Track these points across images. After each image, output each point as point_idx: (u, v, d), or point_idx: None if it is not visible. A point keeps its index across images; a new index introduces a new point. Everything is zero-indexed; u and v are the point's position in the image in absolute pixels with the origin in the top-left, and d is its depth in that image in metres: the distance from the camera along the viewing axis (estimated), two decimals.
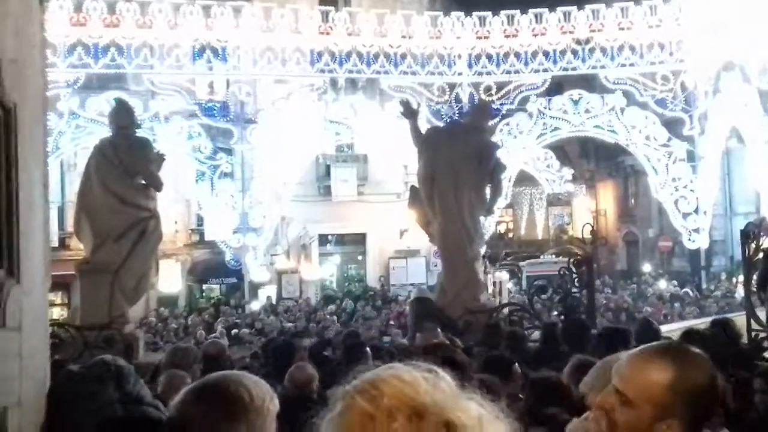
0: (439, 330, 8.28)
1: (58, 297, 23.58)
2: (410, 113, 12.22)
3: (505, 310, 12.09)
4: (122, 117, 11.21)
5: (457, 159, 11.49)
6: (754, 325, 9.16)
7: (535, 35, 25.86)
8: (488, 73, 26.12)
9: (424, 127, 13.87)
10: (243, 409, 2.26)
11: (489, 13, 26.11)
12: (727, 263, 27.96)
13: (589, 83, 27.21)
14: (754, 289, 9.48)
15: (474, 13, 26.28)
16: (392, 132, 23.31)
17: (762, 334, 8.87)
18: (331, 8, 26.54)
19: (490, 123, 15.95)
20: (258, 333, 19.72)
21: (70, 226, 20.55)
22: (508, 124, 26.00)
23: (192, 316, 23.25)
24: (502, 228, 35.63)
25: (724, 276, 26.89)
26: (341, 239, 31.15)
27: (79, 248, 13.05)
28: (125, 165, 10.61)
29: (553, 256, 23.66)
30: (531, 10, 25.95)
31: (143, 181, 10.80)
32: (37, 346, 3.37)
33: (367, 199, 28.93)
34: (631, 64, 25.50)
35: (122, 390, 2.99)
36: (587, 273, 11.67)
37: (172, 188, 19.55)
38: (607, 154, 33.47)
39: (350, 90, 26.55)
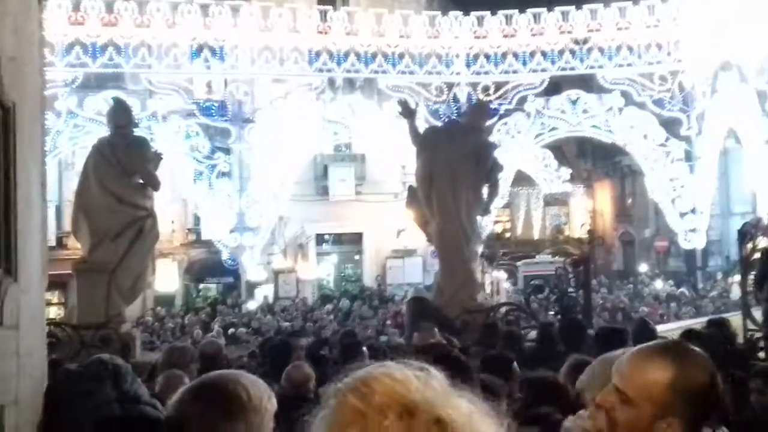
0: (436, 329, 8.27)
1: (54, 296, 23.54)
2: (408, 113, 12.23)
3: (502, 310, 12.10)
4: (120, 116, 11.21)
5: (455, 159, 11.49)
6: (750, 325, 9.20)
7: (533, 35, 25.90)
8: (486, 73, 26.15)
9: (422, 126, 13.89)
10: (241, 408, 2.27)
11: (487, 13, 26.13)
12: (723, 263, 28.01)
13: (587, 83, 27.24)
14: (751, 289, 9.51)
15: (472, 12, 26.29)
16: (390, 132, 23.33)
17: (758, 334, 8.90)
18: (330, 8, 26.54)
19: (488, 123, 15.98)
20: (255, 332, 19.69)
21: (67, 226, 20.58)
22: (505, 123, 26.02)
23: (189, 316, 23.22)
24: (499, 228, 35.64)
25: (720, 276, 26.95)
26: (338, 239, 31.15)
27: (76, 247, 13.06)
28: (123, 164, 10.60)
29: (550, 255, 23.73)
30: (529, 10, 25.98)
31: (141, 181, 10.79)
32: (34, 345, 3.37)
33: (365, 198, 28.93)
34: (629, 65, 25.54)
35: (120, 389, 2.99)
36: (584, 273, 11.73)
37: (169, 188, 19.52)
38: (605, 154, 33.52)
39: (348, 89, 26.54)
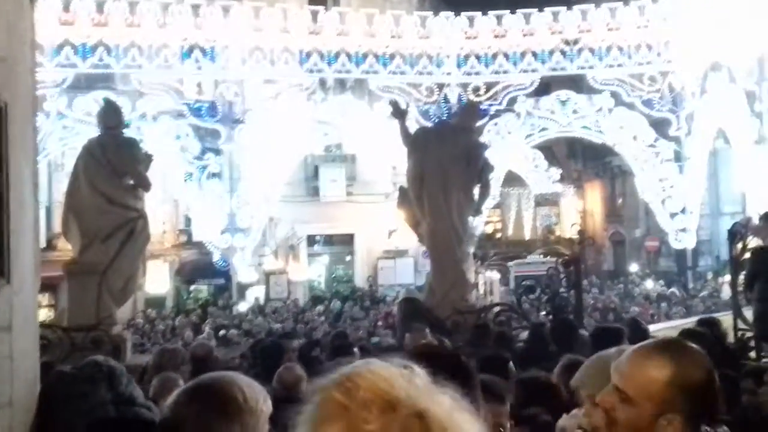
0: (427, 330, 8.29)
1: (45, 298, 23.42)
2: (399, 113, 12.24)
3: (494, 310, 12.10)
4: (110, 117, 11.17)
5: (445, 159, 11.50)
6: (741, 325, 9.23)
7: (524, 36, 25.92)
8: (477, 74, 26.17)
9: (413, 127, 13.89)
10: (237, 410, 2.27)
11: (478, 14, 26.16)
12: (713, 263, 28.11)
13: (577, 84, 27.30)
14: (741, 289, 9.54)
15: (463, 13, 26.31)
16: (381, 132, 23.32)
17: (748, 334, 8.93)
18: (320, 8, 26.52)
19: (479, 123, 16.00)
20: (246, 334, 19.65)
21: (57, 227, 20.47)
22: (496, 124, 26.05)
23: (179, 317, 23.14)
24: (490, 228, 35.69)
25: (710, 276, 27.05)
26: (329, 240, 31.13)
27: (66, 249, 12.99)
28: (113, 165, 10.56)
29: (541, 256, 23.73)
30: (520, 11, 26.02)
31: (131, 182, 10.76)
32: (27, 347, 3.35)
33: (356, 199, 28.92)
34: (619, 65, 25.60)
35: (114, 391, 2.97)
36: (575, 273, 11.73)
37: (159, 189, 19.45)
38: (595, 155, 33.61)
39: (339, 90, 26.53)
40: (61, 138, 23.47)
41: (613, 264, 36.06)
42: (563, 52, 25.87)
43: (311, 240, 30.23)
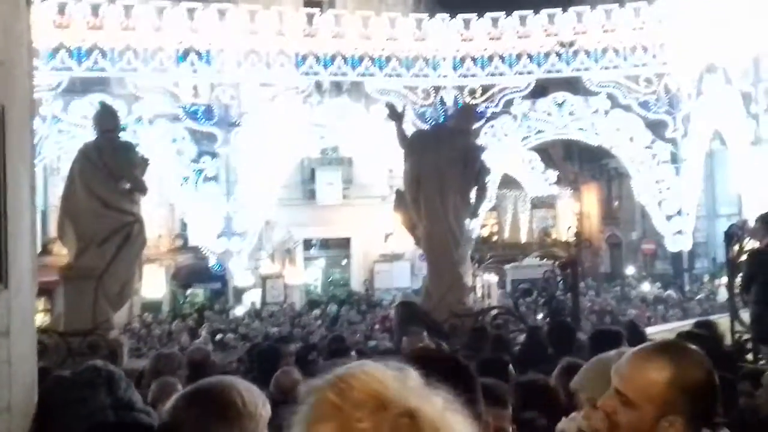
0: (424, 334, 8.27)
1: (41, 303, 23.33)
2: (396, 116, 12.23)
3: (491, 314, 12.09)
4: (106, 120, 11.13)
5: (442, 162, 11.49)
6: (738, 327, 9.24)
7: (520, 38, 25.95)
8: (473, 76, 26.20)
9: (409, 130, 13.88)
10: (236, 414, 2.26)
11: (474, 16, 26.19)
12: (709, 265, 28.16)
13: (573, 86, 27.32)
14: (738, 291, 9.55)
15: (458, 15, 26.34)
16: (377, 135, 23.32)
17: (745, 336, 8.94)
18: (316, 11, 26.52)
19: (475, 126, 16.00)
20: (242, 338, 19.62)
21: (53, 231, 20.38)
22: (492, 126, 26.04)
23: (176, 322, 23.06)
24: (486, 231, 35.69)
25: (707, 278, 27.08)
26: (326, 243, 31.11)
27: (61, 254, 12.94)
28: (110, 168, 10.53)
29: (538, 258, 23.75)
30: (515, 13, 26.05)
31: (128, 186, 10.73)
32: (25, 351, 3.34)
33: (352, 202, 28.91)
34: (615, 67, 25.64)
35: (113, 395, 2.96)
36: (571, 276, 11.73)
37: (155, 192, 19.36)
38: (591, 157, 33.65)
39: (335, 93, 26.51)
40: (56, 142, 23.44)
41: (610, 266, 36.10)
42: (559, 55, 25.90)
43: (308, 243, 30.20)
